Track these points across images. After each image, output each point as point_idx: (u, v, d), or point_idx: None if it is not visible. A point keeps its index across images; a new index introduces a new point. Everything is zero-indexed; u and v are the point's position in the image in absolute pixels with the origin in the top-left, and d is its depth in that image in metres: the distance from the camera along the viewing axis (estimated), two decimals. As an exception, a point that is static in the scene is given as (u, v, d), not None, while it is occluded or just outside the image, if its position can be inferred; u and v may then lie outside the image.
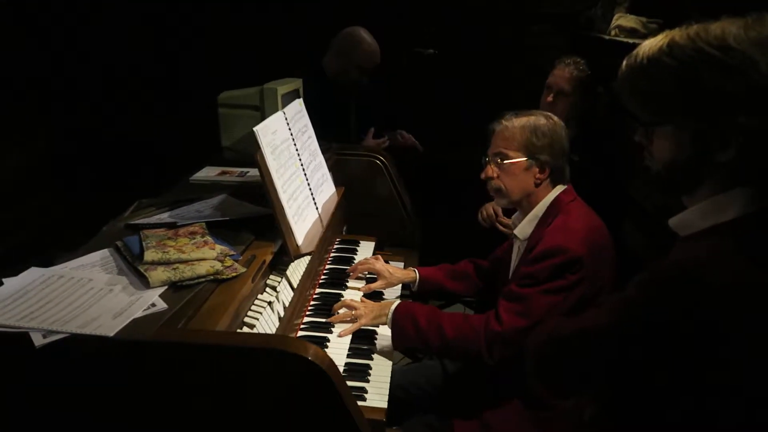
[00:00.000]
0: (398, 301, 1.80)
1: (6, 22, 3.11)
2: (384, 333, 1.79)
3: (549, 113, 1.80)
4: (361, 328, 1.78)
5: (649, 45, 1.03)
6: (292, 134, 1.88)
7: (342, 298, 1.91)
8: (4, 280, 1.34)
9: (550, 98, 2.54)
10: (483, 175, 1.82)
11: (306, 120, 2.10)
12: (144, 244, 1.47)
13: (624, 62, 1.07)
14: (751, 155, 0.96)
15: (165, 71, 3.71)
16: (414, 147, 3.24)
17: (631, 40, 2.50)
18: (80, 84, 3.53)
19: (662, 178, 1.07)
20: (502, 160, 1.76)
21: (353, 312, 1.79)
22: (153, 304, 1.27)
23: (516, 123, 1.75)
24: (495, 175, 1.78)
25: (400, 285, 2.08)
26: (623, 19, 2.71)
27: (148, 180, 2.30)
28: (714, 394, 0.97)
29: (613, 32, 2.75)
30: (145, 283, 1.34)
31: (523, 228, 1.79)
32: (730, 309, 0.92)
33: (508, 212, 2.39)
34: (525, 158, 1.73)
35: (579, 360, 1.10)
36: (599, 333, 1.05)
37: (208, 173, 2.21)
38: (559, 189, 1.77)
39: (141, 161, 3.53)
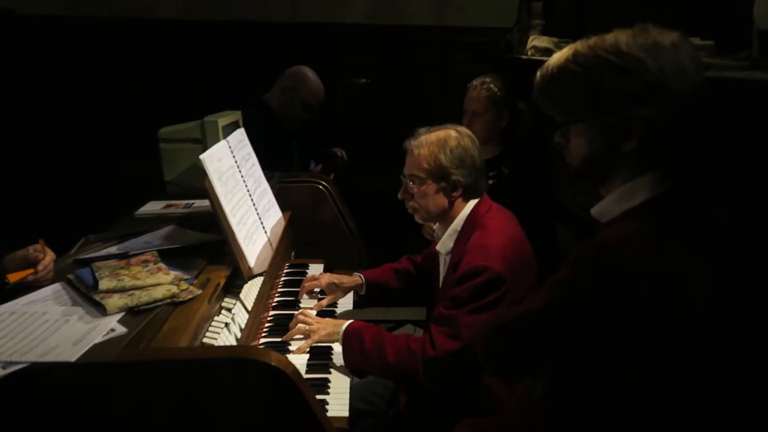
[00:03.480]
0: (350, 321, 1.81)
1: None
2: (340, 348, 1.83)
3: (461, 127, 1.84)
4: (316, 344, 1.81)
5: (557, 57, 1.20)
6: (236, 161, 1.94)
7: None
8: (-48, 320, 1.32)
9: (466, 121, 2.70)
10: (399, 195, 1.85)
11: (249, 149, 2.17)
12: (97, 274, 1.48)
13: (538, 73, 1.23)
14: (652, 143, 1.12)
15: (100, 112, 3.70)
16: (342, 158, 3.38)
17: (546, 58, 2.69)
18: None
19: (581, 172, 1.22)
20: (414, 182, 1.79)
21: (306, 327, 1.82)
22: (112, 329, 1.28)
23: (425, 142, 1.77)
24: (410, 195, 1.82)
25: (352, 293, 2.12)
26: (537, 41, 2.92)
27: (91, 219, 2.28)
28: (644, 360, 1.10)
29: (529, 53, 2.96)
30: (102, 311, 1.36)
31: (445, 243, 1.83)
32: (649, 281, 1.06)
33: None
34: (435, 180, 1.76)
35: (523, 343, 1.20)
36: (538, 315, 1.16)
37: (153, 207, 2.23)
38: (474, 202, 1.80)
39: (81, 201, 3.46)
